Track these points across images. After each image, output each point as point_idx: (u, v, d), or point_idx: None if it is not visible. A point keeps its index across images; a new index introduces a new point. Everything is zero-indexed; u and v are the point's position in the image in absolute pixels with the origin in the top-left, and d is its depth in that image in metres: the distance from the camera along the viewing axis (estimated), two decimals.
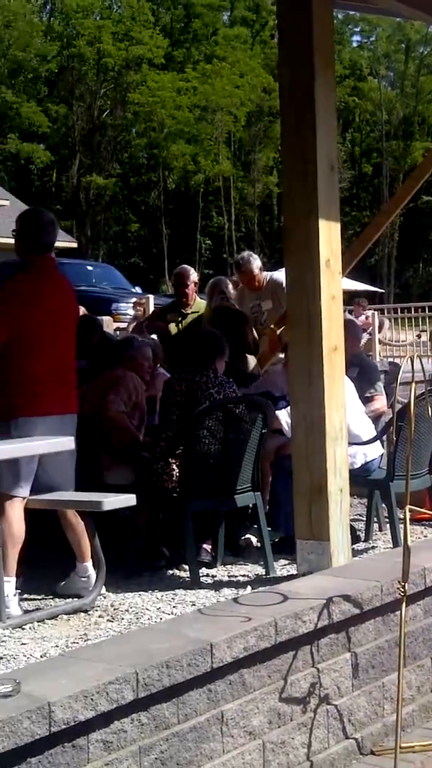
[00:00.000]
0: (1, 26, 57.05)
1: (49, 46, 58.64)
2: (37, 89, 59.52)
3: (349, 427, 5.89)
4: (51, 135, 57.72)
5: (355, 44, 71.26)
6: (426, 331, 23.42)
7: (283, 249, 5.98)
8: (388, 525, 6.80)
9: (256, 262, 8.75)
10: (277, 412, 6.52)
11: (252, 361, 8.58)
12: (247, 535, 6.71)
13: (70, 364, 5.76)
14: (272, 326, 8.45)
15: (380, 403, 7.69)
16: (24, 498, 5.47)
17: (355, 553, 6.04)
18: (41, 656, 4.60)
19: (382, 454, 7.00)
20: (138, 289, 23.92)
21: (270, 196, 60.18)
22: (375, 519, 7.04)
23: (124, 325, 16.09)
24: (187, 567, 6.02)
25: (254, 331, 8.58)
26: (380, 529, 7.17)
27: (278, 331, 8.27)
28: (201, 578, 5.89)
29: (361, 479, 6.64)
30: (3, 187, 44.22)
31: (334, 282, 5.51)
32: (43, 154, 55.75)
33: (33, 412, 5.46)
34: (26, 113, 55.86)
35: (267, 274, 8.78)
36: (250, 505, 6.35)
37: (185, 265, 10.04)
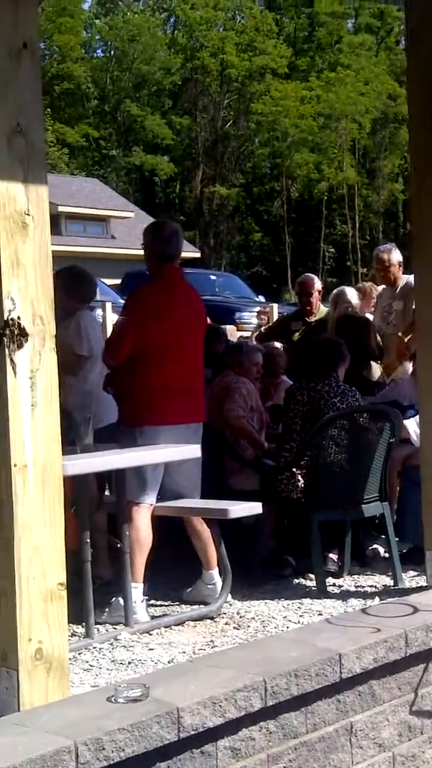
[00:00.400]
0: (125, 40, 57.87)
1: (173, 58, 59.17)
2: (162, 102, 60.13)
3: None
4: (174, 147, 58.26)
5: None
6: None
7: (410, 257, 5.91)
8: None
9: (394, 255, 8.59)
10: (405, 421, 6.44)
11: (376, 368, 8.49)
12: (375, 546, 6.64)
13: (198, 373, 5.80)
14: (400, 334, 8.36)
15: None
16: (151, 505, 5.52)
17: None
18: (168, 662, 4.65)
19: None
20: (261, 298, 23.96)
21: (395, 203, 59.54)
22: None
23: (247, 333, 16.13)
24: (313, 576, 5.99)
25: (378, 338, 8.49)
26: None
27: (406, 339, 8.18)
28: (328, 588, 5.86)
29: None
30: (128, 200, 44.89)
31: None
32: (167, 166, 56.29)
33: (158, 421, 5.51)
34: (150, 126, 56.49)
35: (406, 277, 8.65)
36: (378, 515, 6.28)
37: (309, 274, 10.03)
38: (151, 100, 59.73)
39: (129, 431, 5.58)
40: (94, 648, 4.87)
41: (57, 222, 34.22)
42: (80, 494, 5.04)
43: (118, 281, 23.08)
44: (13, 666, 3.63)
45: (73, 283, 6.40)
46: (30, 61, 3.72)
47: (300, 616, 5.36)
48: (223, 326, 11.00)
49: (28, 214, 3.72)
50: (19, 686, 3.62)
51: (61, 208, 34.55)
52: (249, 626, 5.22)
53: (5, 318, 3.63)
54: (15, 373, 3.65)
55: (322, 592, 5.77)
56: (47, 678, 3.68)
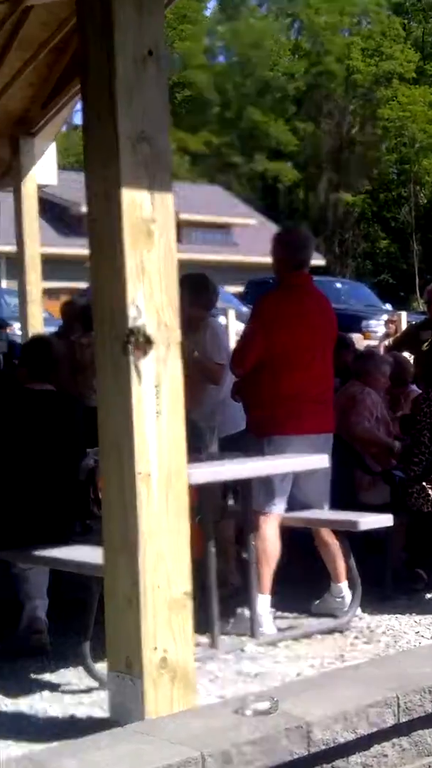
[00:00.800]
0: (248, 46, 58.06)
1: (296, 64, 59.17)
2: (285, 108, 60.09)
3: None
4: (298, 153, 58.16)
5: None
6: None
7: None
8: None
9: None
10: None
11: None
12: None
13: (328, 383, 5.71)
14: None
15: None
16: (279, 515, 5.45)
17: None
18: (296, 675, 4.59)
19: None
20: (388, 306, 23.71)
21: None
22: None
23: (374, 342, 15.96)
24: None
25: None
26: None
27: None
28: None
29: None
30: (251, 207, 44.96)
31: None
32: (291, 173, 56.19)
33: (287, 431, 5.44)
34: (274, 132, 56.49)
35: None
36: None
37: None
38: (275, 106, 59.70)
39: (257, 440, 5.53)
40: (219, 659, 4.83)
41: (179, 230, 34.33)
42: (205, 503, 5.01)
43: (240, 289, 23.14)
44: (137, 674, 3.62)
45: (195, 291, 6.38)
46: (155, 68, 3.73)
47: None
48: (349, 335, 10.89)
49: (153, 222, 3.72)
50: (144, 695, 3.61)
51: (183, 216, 34.83)
52: (380, 641, 5.12)
53: (130, 326, 3.63)
54: (140, 380, 3.65)
55: None
56: (172, 687, 3.66)
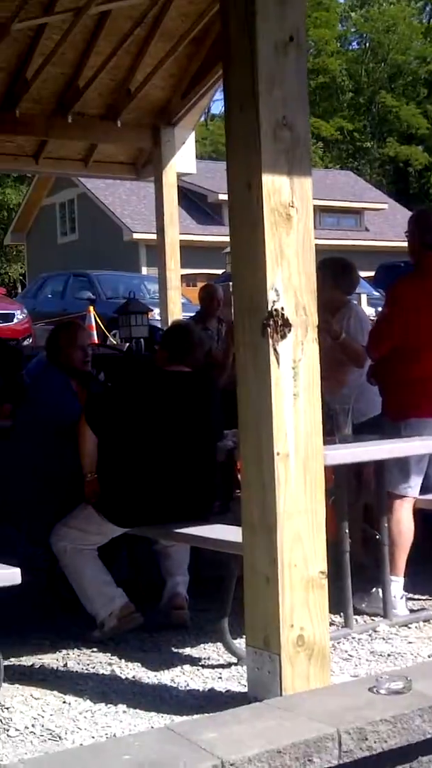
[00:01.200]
0: (381, 32, 57.41)
1: (429, 47, 58.23)
2: (417, 92, 59.24)
3: None
4: (429, 136, 57.29)
5: None
6: None
7: None
8: None
9: None
10: None
11: None
12: None
13: None
14: None
15: None
16: (413, 498, 5.45)
17: None
18: (428, 656, 4.60)
19: None
20: None
21: None
22: None
23: None
24: None
25: None
26: None
27: None
28: None
29: None
30: (382, 191, 44.47)
31: None
32: (422, 156, 55.41)
33: (423, 413, 5.41)
34: (405, 116, 55.78)
35: None
36: None
37: None
38: (407, 90, 58.92)
39: (393, 424, 5.52)
40: (352, 638, 4.87)
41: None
42: (339, 484, 5.03)
43: (371, 273, 22.94)
44: (275, 651, 3.68)
45: (338, 274, 6.36)
46: (296, 54, 3.74)
47: None
48: None
49: (292, 206, 3.77)
50: (281, 671, 3.67)
51: (316, 202, 34.46)
52: None
53: (269, 309, 3.68)
54: (278, 363, 3.70)
55: None
56: (308, 665, 3.72)
